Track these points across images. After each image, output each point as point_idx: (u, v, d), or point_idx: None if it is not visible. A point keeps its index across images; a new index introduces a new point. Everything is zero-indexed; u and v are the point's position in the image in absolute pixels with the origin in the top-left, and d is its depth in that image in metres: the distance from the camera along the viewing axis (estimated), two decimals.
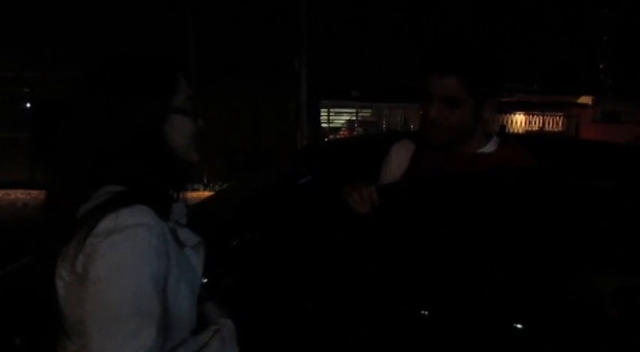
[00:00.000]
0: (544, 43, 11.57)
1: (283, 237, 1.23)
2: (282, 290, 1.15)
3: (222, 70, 9.28)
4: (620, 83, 12.51)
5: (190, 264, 0.83)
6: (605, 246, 1.10)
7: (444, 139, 1.24)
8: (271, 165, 2.75)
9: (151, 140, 0.79)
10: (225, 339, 0.84)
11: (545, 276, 1.11)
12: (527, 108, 12.04)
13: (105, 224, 0.71)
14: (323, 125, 11.76)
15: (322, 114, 11.70)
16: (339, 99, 11.46)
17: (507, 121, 12.13)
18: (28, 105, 9.65)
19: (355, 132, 11.86)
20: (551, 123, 12.55)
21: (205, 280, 1.06)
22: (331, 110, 11.90)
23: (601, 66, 12.91)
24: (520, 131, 12.11)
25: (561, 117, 12.54)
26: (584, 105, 12.40)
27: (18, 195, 7.83)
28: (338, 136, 11.42)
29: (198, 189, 8.40)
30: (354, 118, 12.09)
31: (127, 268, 0.69)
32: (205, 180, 8.93)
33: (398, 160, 1.35)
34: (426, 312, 1.08)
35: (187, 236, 0.84)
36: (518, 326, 1.05)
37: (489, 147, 1.29)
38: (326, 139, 10.55)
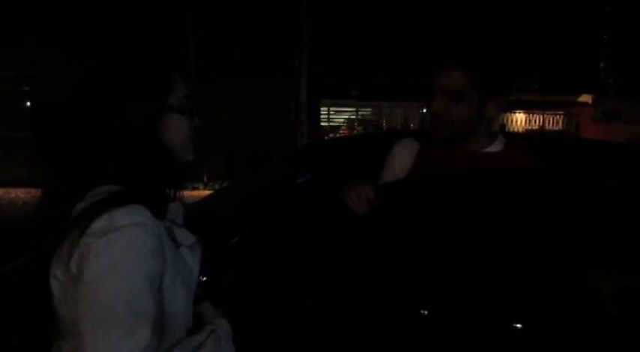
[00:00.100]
0: (544, 42, 11.56)
1: (281, 236, 1.22)
2: (280, 289, 1.15)
3: (222, 69, 9.28)
4: (621, 82, 12.51)
5: (186, 264, 0.82)
6: (607, 245, 1.10)
7: (445, 133, 1.23)
8: (270, 164, 2.75)
9: (147, 139, 0.79)
10: (221, 339, 0.84)
11: (546, 276, 1.10)
12: (528, 107, 12.04)
13: (99, 223, 0.70)
14: (323, 124, 11.76)
15: (322, 113, 11.70)
16: (339, 98, 11.47)
17: (507, 120, 12.13)
18: (28, 104, 9.65)
19: (355, 131, 11.85)
20: (551, 122, 12.55)
21: (203, 279, 1.06)
22: (331, 109, 11.90)
23: (601, 64, 12.90)
24: (520, 130, 12.11)
25: (561, 116, 12.53)
26: (585, 104, 12.39)
27: (18, 193, 7.84)
28: (338, 135, 11.42)
29: (198, 188, 8.40)
30: (354, 117, 12.08)
31: (122, 268, 0.69)
32: (205, 179, 8.93)
33: (402, 159, 1.34)
34: (426, 312, 1.08)
35: (184, 235, 0.84)
36: (520, 325, 1.05)
37: (495, 147, 1.28)
38: (325, 138, 10.54)
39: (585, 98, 12.37)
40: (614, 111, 12.36)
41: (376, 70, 10.61)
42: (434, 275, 1.13)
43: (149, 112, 0.79)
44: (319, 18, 9.07)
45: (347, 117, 12.13)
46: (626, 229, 1.10)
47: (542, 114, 12.41)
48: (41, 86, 8.96)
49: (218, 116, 8.79)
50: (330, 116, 11.97)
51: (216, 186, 8.38)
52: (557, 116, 12.52)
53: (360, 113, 12.08)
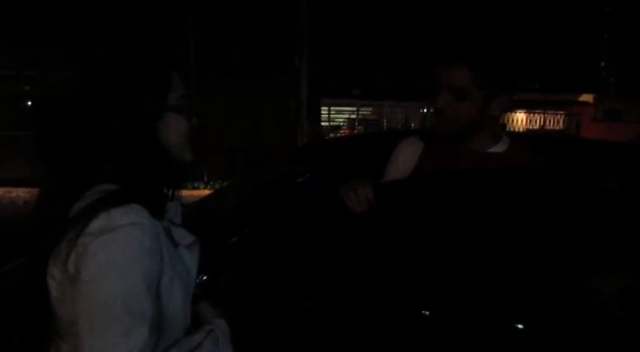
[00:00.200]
0: (545, 41, 11.55)
1: (281, 235, 1.22)
2: (280, 289, 1.15)
3: (222, 69, 9.27)
4: (622, 81, 12.48)
5: (184, 264, 0.82)
6: (610, 245, 1.10)
7: (449, 130, 1.23)
8: (270, 164, 2.74)
9: (145, 139, 0.79)
10: (219, 339, 0.84)
11: (548, 276, 1.10)
12: (529, 107, 12.02)
13: (97, 223, 0.70)
14: (323, 124, 11.75)
15: (323, 112, 11.69)
16: (340, 97, 11.45)
17: (508, 120, 12.11)
18: (29, 103, 9.65)
19: (356, 131, 11.84)
20: (552, 121, 12.53)
21: (203, 278, 1.06)
22: (332, 108, 11.89)
23: (602, 64, 12.88)
24: (521, 129, 12.09)
25: (562, 116, 12.51)
26: (586, 104, 12.37)
27: (19, 193, 7.85)
28: (339, 135, 11.41)
29: (198, 188, 8.40)
30: (354, 117, 12.07)
31: (120, 268, 0.69)
32: (206, 179, 8.93)
33: (405, 157, 1.34)
34: (427, 312, 1.08)
35: (182, 235, 0.84)
36: (522, 326, 1.04)
37: (499, 147, 1.28)
38: (325, 138, 10.54)
39: (586, 98, 12.35)
40: (615, 111, 12.34)
41: (377, 70, 10.60)
42: (435, 275, 1.12)
43: (148, 112, 0.79)
44: (319, 17, 9.06)
45: (347, 116, 12.12)
46: (630, 229, 1.10)
47: (543, 114, 12.39)
48: (42, 86, 8.97)
49: (218, 116, 8.78)
50: (331, 116, 11.96)
51: (217, 186, 8.38)
52: (558, 116, 12.50)
53: (360, 113, 12.07)
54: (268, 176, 1.96)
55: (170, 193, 0.85)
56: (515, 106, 11.72)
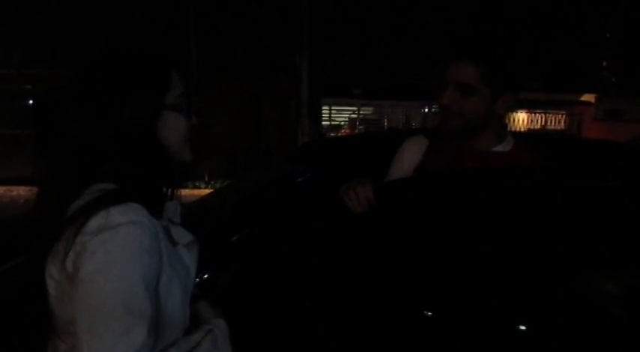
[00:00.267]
0: (546, 41, 11.53)
1: (281, 235, 1.22)
2: (280, 288, 1.15)
3: (224, 68, 9.27)
4: (623, 81, 12.46)
5: (183, 263, 0.82)
6: (612, 246, 1.09)
7: (454, 127, 1.23)
8: (271, 163, 2.74)
9: (144, 138, 0.78)
10: (218, 339, 0.84)
11: (550, 276, 1.10)
12: (530, 106, 12.01)
13: (95, 221, 0.70)
14: (324, 123, 11.74)
15: (324, 112, 11.69)
16: (341, 97, 11.45)
17: (509, 119, 12.09)
18: (31, 102, 9.66)
19: (357, 131, 11.83)
20: (553, 121, 12.51)
21: (204, 277, 1.06)
22: (332, 108, 11.88)
23: (604, 64, 12.86)
24: (522, 129, 12.07)
25: (563, 116, 12.49)
26: (587, 103, 12.35)
27: (20, 191, 7.85)
28: (339, 134, 11.40)
29: (199, 187, 8.40)
30: (355, 116, 12.07)
31: (118, 266, 0.69)
32: (207, 178, 8.93)
33: (410, 156, 1.34)
34: (429, 313, 1.08)
35: (181, 234, 0.84)
36: (524, 327, 1.04)
37: (504, 147, 1.28)
38: (325, 137, 10.53)
39: (588, 97, 12.33)
40: (616, 110, 12.32)
41: (378, 69, 10.59)
42: (436, 275, 1.12)
43: (147, 111, 0.79)
44: (320, 17, 9.05)
45: (348, 116, 12.12)
46: (632, 229, 1.10)
47: (544, 114, 12.37)
48: (43, 85, 8.97)
49: (219, 115, 8.78)
50: (332, 115, 11.95)
51: (218, 185, 8.38)
52: (559, 115, 12.48)
53: (361, 112, 12.06)
54: (268, 175, 1.96)
55: (169, 192, 0.85)
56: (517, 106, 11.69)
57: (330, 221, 1.20)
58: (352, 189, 1.12)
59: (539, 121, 12.43)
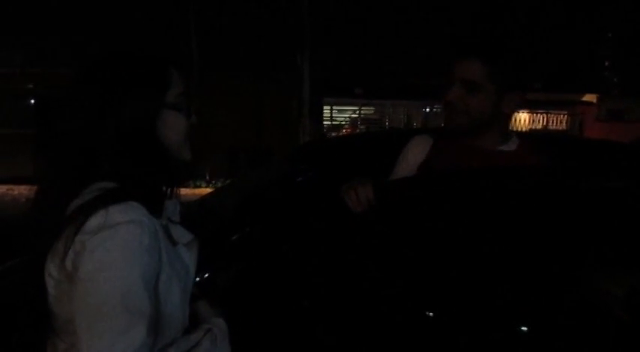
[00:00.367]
0: (548, 41, 11.51)
1: (281, 235, 1.22)
2: (279, 288, 1.15)
3: (225, 67, 9.28)
4: (626, 81, 12.43)
5: (183, 262, 0.82)
6: (617, 247, 1.09)
7: (460, 124, 1.23)
8: (271, 163, 2.74)
9: (143, 138, 0.78)
10: (217, 339, 0.84)
11: (554, 278, 1.09)
12: (531, 107, 11.98)
13: (95, 220, 0.70)
14: (325, 123, 11.74)
15: (325, 111, 11.68)
16: (342, 96, 11.44)
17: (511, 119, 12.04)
18: (32, 101, 9.67)
19: (358, 130, 11.83)
20: (555, 121, 12.48)
21: (205, 276, 1.06)
22: (334, 107, 11.88)
23: (606, 63, 12.83)
24: (524, 129, 12.05)
25: (565, 116, 12.47)
26: (589, 104, 12.33)
27: (21, 190, 7.86)
28: (338, 134, 11.40)
29: (200, 186, 8.41)
30: (356, 116, 12.06)
31: (117, 265, 0.69)
32: (208, 177, 8.94)
33: (415, 154, 1.34)
34: (430, 313, 1.07)
35: (180, 233, 0.84)
36: (527, 327, 1.03)
37: (509, 146, 1.27)
38: (326, 136, 10.53)
39: (589, 97, 12.31)
40: (618, 110, 12.29)
41: (379, 69, 10.58)
42: (437, 275, 1.12)
43: (147, 111, 0.79)
44: (322, 16, 9.05)
45: (349, 115, 12.11)
46: (636, 230, 1.09)
47: (546, 114, 12.34)
48: (45, 84, 8.98)
49: (221, 114, 8.79)
50: (333, 115, 11.95)
51: (219, 184, 8.39)
52: (561, 116, 12.45)
53: (362, 112, 12.05)
54: (269, 175, 1.96)
55: (169, 191, 0.85)
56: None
57: (331, 220, 1.19)
58: (353, 188, 1.12)
59: (541, 121, 12.40)
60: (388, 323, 1.08)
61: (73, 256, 0.70)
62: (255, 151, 9.74)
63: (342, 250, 1.17)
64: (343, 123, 12.14)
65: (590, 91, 12.28)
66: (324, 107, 11.59)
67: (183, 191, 0.89)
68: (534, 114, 12.31)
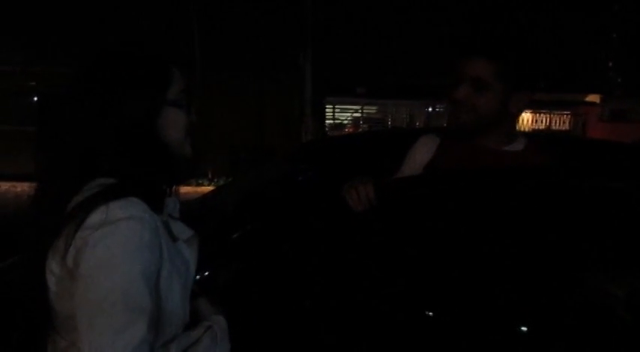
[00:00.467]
0: (551, 41, 11.47)
1: (281, 233, 1.22)
2: (279, 287, 1.15)
3: (227, 67, 9.28)
4: (629, 81, 12.38)
5: (183, 258, 0.82)
6: (619, 247, 1.08)
7: (466, 123, 1.22)
8: (272, 162, 2.74)
9: (144, 135, 0.78)
10: (217, 336, 0.84)
11: (556, 278, 1.09)
12: (534, 107, 11.94)
13: (95, 216, 0.70)
14: (328, 122, 11.74)
15: (327, 110, 11.68)
16: (344, 95, 11.43)
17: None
18: (35, 99, 9.69)
19: (360, 129, 11.82)
20: (557, 121, 12.44)
21: (205, 274, 1.06)
22: (336, 107, 11.87)
23: (609, 64, 12.78)
24: (526, 130, 12.02)
25: (568, 116, 12.43)
26: (592, 104, 12.28)
27: (24, 187, 7.88)
28: (343, 133, 11.39)
29: (202, 184, 8.42)
30: (358, 115, 12.05)
31: (118, 261, 0.69)
32: (210, 176, 8.95)
33: (422, 153, 1.34)
34: (430, 313, 1.07)
35: (180, 230, 0.84)
36: (530, 328, 1.03)
37: (515, 146, 1.27)
38: (327, 135, 10.52)
39: (593, 98, 12.26)
40: (621, 111, 12.24)
41: (382, 68, 10.56)
42: (437, 275, 1.12)
43: (147, 109, 0.79)
44: (324, 15, 9.04)
45: (352, 115, 12.10)
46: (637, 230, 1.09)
47: (549, 114, 12.30)
48: (47, 82, 9.00)
49: (223, 114, 8.80)
50: (335, 114, 11.94)
51: (221, 183, 8.40)
52: (564, 116, 12.41)
53: (365, 111, 12.04)
54: (270, 174, 1.96)
55: (168, 188, 0.85)
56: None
57: (331, 219, 1.19)
58: (353, 187, 1.12)
59: (544, 122, 12.36)
60: (389, 322, 1.08)
61: (74, 252, 0.70)
62: (257, 150, 9.75)
63: (342, 249, 1.17)
64: (345, 122, 12.13)
65: (594, 92, 12.23)
66: (327, 106, 11.58)
67: (185, 189, 0.89)
68: (537, 115, 12.27)
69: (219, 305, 0.92)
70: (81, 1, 9.04)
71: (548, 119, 12.38)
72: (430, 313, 1.07)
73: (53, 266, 0.73)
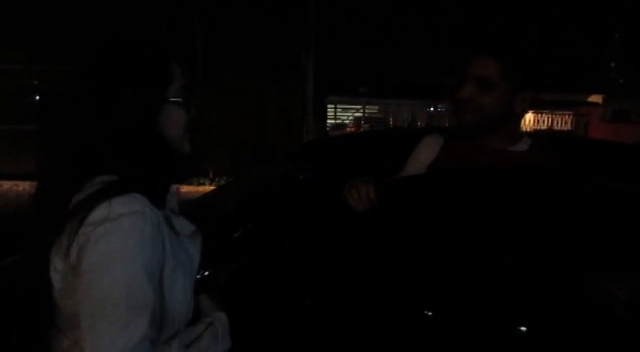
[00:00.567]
0: (553, 41, 11.45)
1: (283, 233, 1.22)
2: (280, 286, 1.15)
3: (229, 66, 9.28)
4: (632, 82, 12.35)
5: (187, 252, 0.82)
6: (620, 248, 1.08)
7: (471, 122, 1.22)
8: (274, 161, 2.74)
9: (144, 133, 0.78)
10: (219, 332, 0.84)
11: (556, 279, 1.09)
12: (536, 107, 11.92)
13: (98, 213, 0.70)
14: (329, 121, 11.74)
15: (329, 110, 11.68)
16: (346, 95, 11.43)
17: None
18: (37, 97, 9.70)
19: (362, 129, 11.81)
20: (560, 122, 12.42)
21: (203, 273, 1.06)
22: (338, 106, 11.87)
23: (612, 64, 12.75)
24: (528, 130, 12.00)
25: (570, 116, 12.41)
26: (594, 104, 12.26)
27: (25, 186, 7.90)
28: (344, 133, 11.39)
29: (204, 184, 8.43)
30: (360, 115, 12.05)
31: (121, 256, 0.69)
32: (211, 175, 8.96)
33: (426, 153, 1.34)
34: (430, 312, 1.07)
35: (183, 225, 0.84)
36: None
37: (520, 146, 1.27)
38: (329, 135, 10.52)
39: (595, 98, 12.24)
40: (624, 111, 12.22)
41: (384, 68, 10.56)
42: (438, 275, 1.12)
43: (148, 107, 0.79)
44: (326, 15, 9.04)
45: (353, 114, 12.10)
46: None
47: (551, 114, 12.28)
48: (50, 80, 9.00)
49: (224, 113, 8.80)
50: (337, 113, 11.94)
51: (222, 182, 8.40)
52: (566, 116, 12.39)
53: (366, 111, 12.04)
54: (272, 173, 1.96)
55: (168, 184, 0.85)
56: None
57: (333, 219, 1.19)
58: (355, 187, 1.12)
59: (546, 122, 12.34)
60: (390, 321, 1.08)
61: (78, 249, 0.70)
62: (258, 150, 9.75)
63: (343, 248, 1.17)
64: (347, 122, 12.13)
65: (596, 92, 12.21)
66: (328, 106, 11.58)
67: (186, 188, 0.89)
68: (539, 115, 12.25)
69: (223, 303, 0.92)
70: (83, 0, 9.06)
71: (550, 119, 12.35)
72: (432, 312, 1.07)
73: (57, 264, 0.73)
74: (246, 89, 9.61)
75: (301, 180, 1.71)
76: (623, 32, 12.39)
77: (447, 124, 10.91)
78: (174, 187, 0.86)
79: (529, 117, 12.20)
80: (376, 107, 12.10)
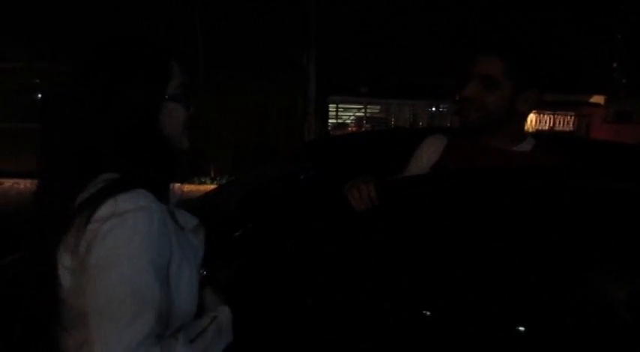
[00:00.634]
0: (556, 41, 11.43)
1: (283, 232, 1.22)
2: (281, 286, 1.15)
3: (230, 66, 9.29)
4: (634, 82, 12.33)
5: (192, 246, 0.82)
6: (620, 248, 1.08)
7: (475, 121, 1.22)
8: (275, 161, 2.74)
9: (144, 131, 0.79)
10: (222, 326, 0.84)
11: (557, 279, 1.09)
12: (538, 107, 11.90)
13: (104, 209, 0.71)
14: (331, 121, 11.74)
15: (330, 110, 11.68)
16: (347, 95, 11.43)
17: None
18: (39, 96, 9.71)
19: (363, 129, 11.81)
20: (562, 122, 12.40)
21: (203, 273, 1.06)
22: (339, 106, 11.87)
23: (614, 65, 12.73)
24: (530, 130, 11.99)
25: (572, 117, 12.39)
26: (596, 105, 12.24)
27: (27, 185, 7.91)
28: (346, 132, 11.39)
29: (205, 183, 8.43)
30: (362, 114, 12.05)
31: (127, 252, 0.69)
32: (212, 174, 8.96)
33: (429, 153, 1.34)
34: (428, 312, 1.07)
35: (186, 219, 0.84)
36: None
37: (524, 146, 1.26)
38: (330, 134, 10.52)
39: (597, 99, 12.22)
40: (626, 112, 12.20)
41: (385, 68, 10.56)
42: (438, 275, 1.12)
43: (148, 106, 0.79)
44: (328, 14, 9.04)
45: (355, 114, 12.10)
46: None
47: (553, 115, 12.27)
48: (51, 79, 9.01)
49: (225, 112, 8.80)
50: (339, 113, 11.95)
51: (223, 181, 8.41)
52: (568, 117, 12.37)
53: (368, 110, 12.04)
54: (273, 172, 1.96)
55: (169, 181, 0.85)
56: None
57: (333, 218, 1.19)
58: (355, 186, 1.12)
59: (548, 122, 12.32)
60: (391, 321, 1.08)
61: (86, 245, 0.71)
62: (259, 149, 9.75)
63: (344, 248, 1.17)
64: (348, 121, 12.13)
65: (598, 92, 12.19)
66: (330, 106, 11.58)
67: (188, 187, 0.90)
68: (541, 115, 12.24)
69: (224, 296, 0.93)
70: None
71: (552, 120, 12.33)
72: (434, 312, 1.07)
73: (65, 261, 0.74)
74: (246, 89, 9.62)
75: (302, 180, 1.71)
76: (625, 33, 12.37)
77: (448, 124, 10.92)
78: (175, 185, 0.86)
79: (531, 117, 12.18)
80: (378, 107, 12.11)
